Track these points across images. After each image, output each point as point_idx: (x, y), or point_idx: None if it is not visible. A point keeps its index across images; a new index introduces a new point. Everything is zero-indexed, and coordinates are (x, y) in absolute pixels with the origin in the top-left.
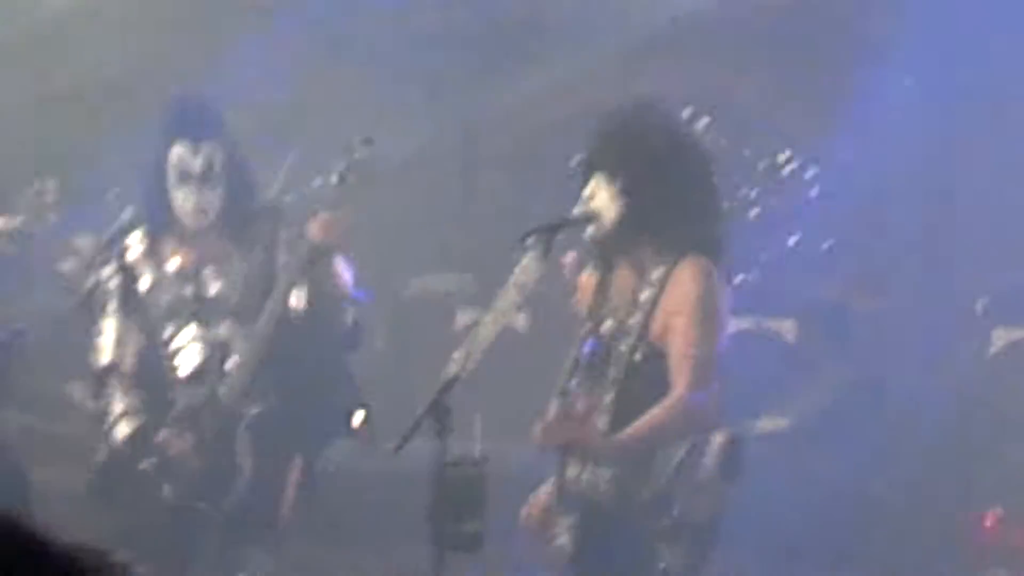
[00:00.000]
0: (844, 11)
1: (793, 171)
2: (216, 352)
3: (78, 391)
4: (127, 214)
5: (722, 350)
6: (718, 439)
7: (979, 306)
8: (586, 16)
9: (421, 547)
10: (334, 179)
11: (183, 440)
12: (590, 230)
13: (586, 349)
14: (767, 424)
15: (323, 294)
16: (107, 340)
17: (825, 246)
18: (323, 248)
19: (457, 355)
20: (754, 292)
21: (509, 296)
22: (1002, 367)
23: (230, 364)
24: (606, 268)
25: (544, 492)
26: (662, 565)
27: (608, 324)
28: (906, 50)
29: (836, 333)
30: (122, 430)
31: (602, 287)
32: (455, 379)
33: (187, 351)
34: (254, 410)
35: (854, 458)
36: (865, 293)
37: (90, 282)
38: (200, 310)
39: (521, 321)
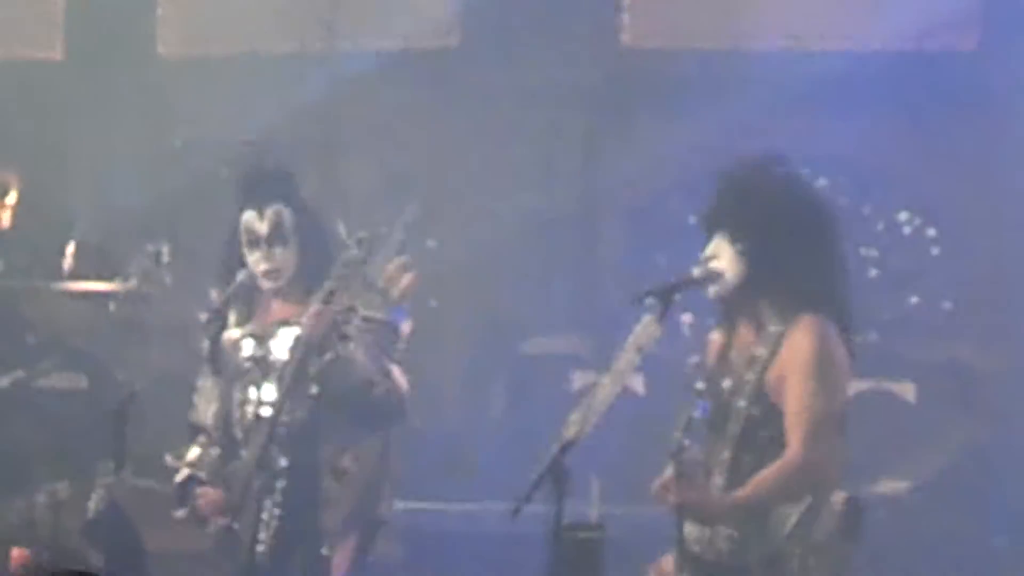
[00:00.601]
0: (968, 70)
1: (914, 230)
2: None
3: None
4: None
5: (842, 409)
6: (837, 498)
7: None
8: (714, 74)
9: None
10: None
11: (216, 497)
12: (713, 289)
13: (698, 411)
14: (887, 487)
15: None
16: (198, 399)
17: (946, 306)
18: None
19: (574, 417)
20: (874, 353)
21: (627, 357)
22: None
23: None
24: (729, 327)
25: (667, 558)
26: None
27: (727, 382)
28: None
29: (956, 394)
30: (180, 475)
31: (726, 346)
32: (573, 441)
33: (241, 412)
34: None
35: (975, 518)
36: (985, 353)
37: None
38: (265, 372)
39: (639, 383)
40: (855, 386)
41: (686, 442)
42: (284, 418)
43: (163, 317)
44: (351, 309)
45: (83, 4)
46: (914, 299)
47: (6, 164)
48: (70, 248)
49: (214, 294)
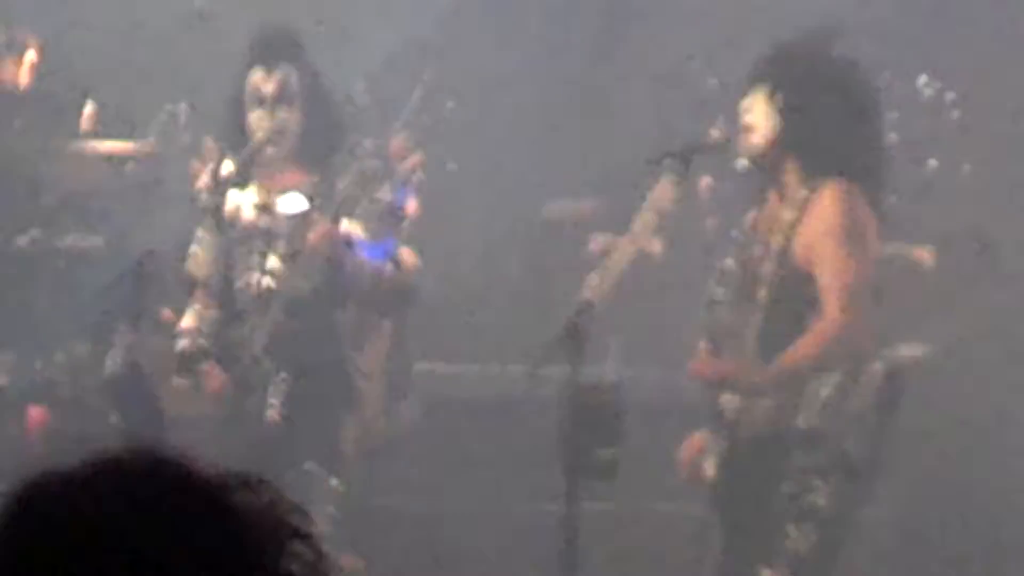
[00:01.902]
0: None
1: (934, 93)
2: (263, 287)
3: None
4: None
5: (873, 276)
6: (876, 371)
7: None
8: None
9: (556, 473)
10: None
11: (221, 378)
12: (744, 142)
13: (727, 260)
14: (905, 351)
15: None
16: (197, 248)
17: (966, 169)
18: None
19: (592, 279)
20: (893, 218)
21: (645, 218)
22: None
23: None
24: (755, 192)
25: (699, 434)
26: (817, 500)
27: (757, 249)
28: None
29: (976, 260)
30: (180, 343)
31: (756, 219)
32: (590, 304)
33: (244, 281)
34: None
35: (991, 382)
36: (1005, 218)
37: (197, 186)
38: (264, 241)
39: (657, 247)
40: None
41: (719, 291)
42: (291, 289)
43: (180, 178)
44: (361, 183)
45: None
46: (933, 162)
47: (26, 24)
48: (88, 108)
49: (208, 141)
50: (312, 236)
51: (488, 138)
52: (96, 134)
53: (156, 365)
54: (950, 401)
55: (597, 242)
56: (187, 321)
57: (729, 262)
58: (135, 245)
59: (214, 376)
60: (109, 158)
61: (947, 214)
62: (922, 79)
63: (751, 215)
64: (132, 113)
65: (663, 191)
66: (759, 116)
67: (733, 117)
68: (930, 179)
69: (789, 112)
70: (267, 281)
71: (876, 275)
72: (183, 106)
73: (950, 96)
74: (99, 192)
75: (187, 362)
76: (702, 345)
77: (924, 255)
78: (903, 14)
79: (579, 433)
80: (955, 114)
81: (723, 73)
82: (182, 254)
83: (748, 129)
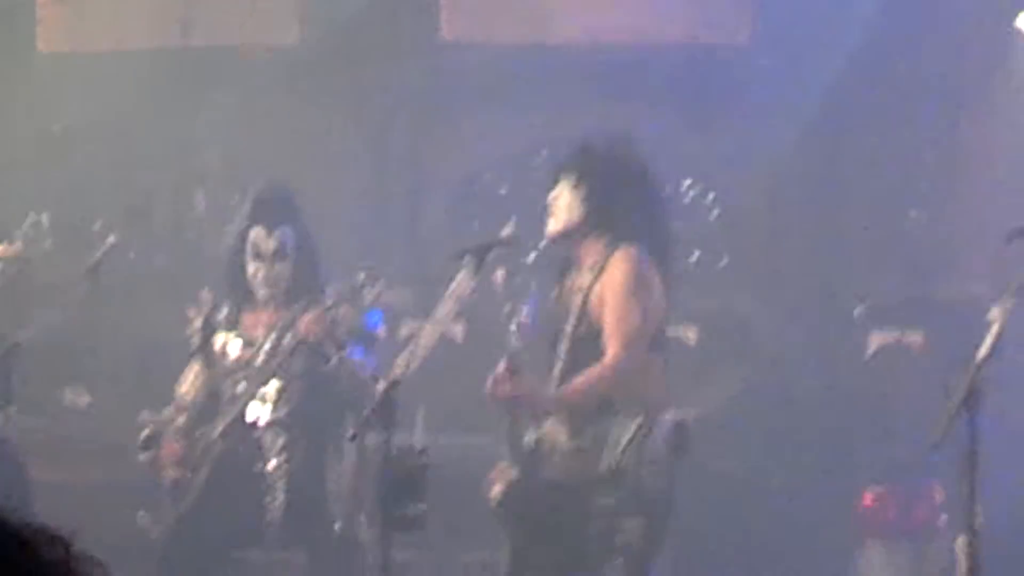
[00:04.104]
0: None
1: (696, 195)
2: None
3: (68, 395)
4: (111, 239)
5: (656, 328)
6: (668, 418)
7: (857, 312)
8: (522, 65)
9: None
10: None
11: (176, 447)
12: (552, 225)
13: (524, 311)
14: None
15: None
16: (184, 377)
17: (723, 262)
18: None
19: (400, 359)
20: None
21: (446, 307)
22: (879, 365)
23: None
24: (564, 272)
25: (503, 464)
26: (623, 539)
27: (560, 311)
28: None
29: (732, 338)
30: (144, 431)
31: (560, 288)
32: (398, 381)
33: (230, 408)
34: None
35: (748, 446)
36: (757, 302)
37: (191, 328)
38: (251, 372)
39: (458, 331)
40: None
41: (515, 332)
42: (281, 407)
43: (44, 278)
44: (334, 322)
45: None
46: (696, 255)
47: None
48: None
49: (205, 294)
50: (303, 322)
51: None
52: None
53: (25, 442)
54: (709, 459)
55: (405, 328)
56: (161, 416)
57: (524, 314)
58: (2, 336)
59: (171, 448)
60: None
61: (708, 299)
62: (686, 182)
63: (555, 290)
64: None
65: (461, 282)
66: (563, 203)
67: (522, 218)
68: (692, 268)
69: (591, 197)
70: (252, 407)
71: (659, 331)
72: (44, 216)
73: (710, 197)
74: None
75: (147, 441)
76: (501, 366)
77: (689, 333)
78: (667, 129)
79: (393, 493)
80: (714, 212)
81: (512, 181)
82: (46, 346)
83: (556, 213)
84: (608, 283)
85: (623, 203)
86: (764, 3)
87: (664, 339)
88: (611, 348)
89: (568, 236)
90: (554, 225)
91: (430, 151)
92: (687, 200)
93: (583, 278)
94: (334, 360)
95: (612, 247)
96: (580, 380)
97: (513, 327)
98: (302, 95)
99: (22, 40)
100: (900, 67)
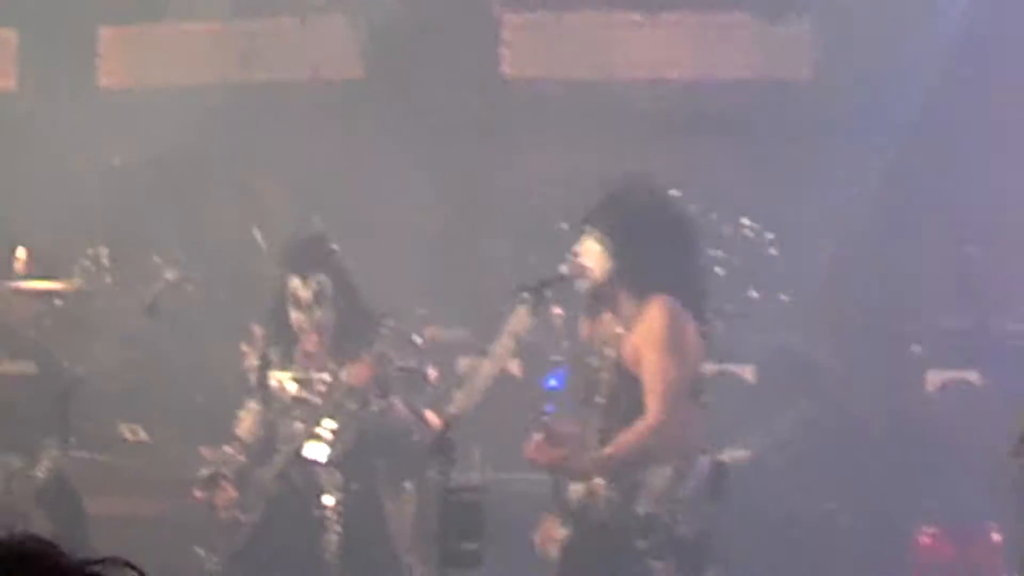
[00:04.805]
0: (793, 95)
1: (754, 233)
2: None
3: (125, 431)
4: (170, 275)
5: (694, 378)
6: (704, 461)
7: (915, 350)
8: (583, 101)
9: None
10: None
11: (231, 491)
12: (582, 283)
13: (554, 380)
14: (730, 455)
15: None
16: (244, 415)
17: (783, 299)
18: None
19: (459, 395)
20: (720, 341)
21: (504, 343)
22: (937, 403)
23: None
24: (595, 315)
25: (552, 519)
26: None
27: (594, 360)
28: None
29: (791, 376)
30: (203, 470)
31: (591, 329)
32: (456, 416)
33: (286, 446)
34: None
35: (807, 484)
36: (815, 340)
37: (246, 365)
38: (305, 411)
39: (515, 366)
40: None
41: (546, 408)
42: (337, 446)
43: (103, 312)
44: (388, 360)
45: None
46: (754, 293)
47: None
48: (20, 252)
49: (257, 330)
50: (351, 372)
51: (375, 279)
52: (28, 274)
53: (82, 475)
54: (768, 497)
55: (463, 364)
56: (221, 456)
57: (553, 383)
58: (63, 370)
59: (227, 492)
60: (40, 295)
61: (767, 337)
62: (745, 220)
63: (584, 323)
64: (60, 256)
65: (518, 319)
66: (592, 259)
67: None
68: (751, 306)
69: (619, 253)
70: (308, 446)
71: (698, 379)
72: (104, 250)
73: (769, 236)
74: (31, 324)
75: (206, 482)
76: (536, 436)
77: (747, 372)
78: (728, 167)
79: (451, 528)
80: (773, 250)
81: (570, 217)
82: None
83: (583, 270)
84: (644, 335)
85: (653, 254)
86: (828, 39)
87: (701, 384)
88: (652, 405)
89: (600, 294)
90: (586, 280)
91: (490, 186)
92: (747, 236)
93: (617, 327)
94: (375, 406)
95: (645, 297)
96: (623, 440)
97: (539, 395)
98: (364, 130)
99: (84, 75)
100: (964, 107)
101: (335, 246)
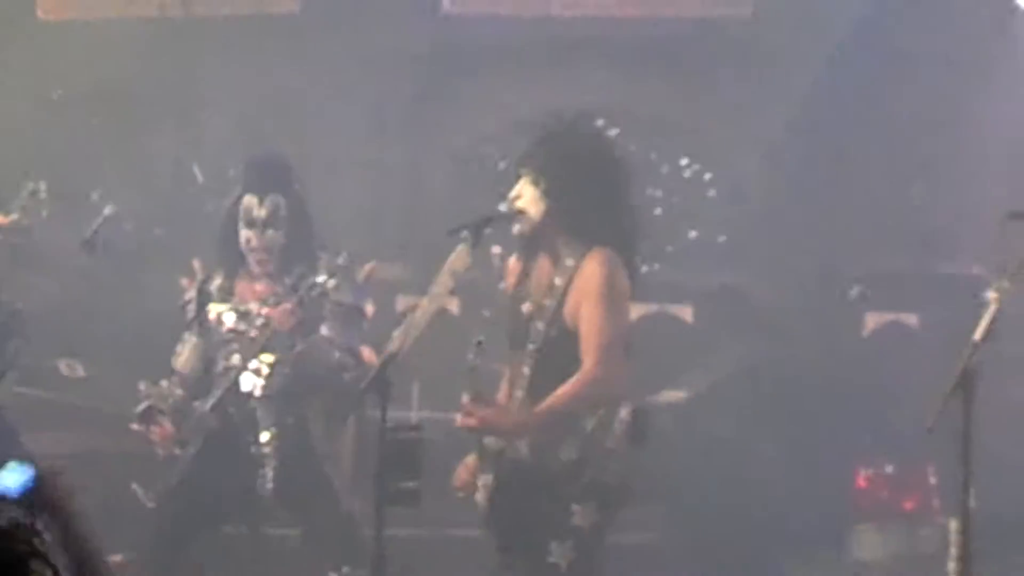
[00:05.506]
0: (735, 33)
1: (693, 174)
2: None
3: (63, 367)
4: (108, 210)
5: (626, 331)
6: (624, 410)
7: (854, 291)
8: (523, 38)
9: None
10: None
11: (168, 428)
12: (517, 226)
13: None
14: (668, 396)
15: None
16: (182, 348)
17: (721, 240)
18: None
19: (397, 333)
20: (658, 281)
21: (443, 281)
22: (875, 345)
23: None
24: (529, 257)
25: (471, 457)
26: (576, 521)
27: (527, 305)
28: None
29: (729, 316)
30: (141, 405)
31: (524, 273)
32: (394, 355)
33: (223, 380)
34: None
35: (745, 425)
36: (754, 281)
37: (185, 298)
38: (244, 343)
39: (454, 304)
40: (641, 309)
41: (476, 362)
42: (274, 380)
43: (41, 247)
44: (323, 294)
45: None
46: (693, 233)
47: None
48: None
49: (196, 264)
50: (276, 312)
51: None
52: None
53: (22, 410)
54: (705, 438)
55: (401, 302)
56: (158, 390)
57: (483, 338)
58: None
59: (164, 429)
60: None
61: (705, 278)
62: (684, 160)
63: (515, 266)
64: None
65: (458, 257)
66: (527, 201)
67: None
68: (690, 247)
69: (554, 194)
70: (244, 377)
71: (630, 332)
72: (42, 184)
73: (707, 176)
74: None
75: (142, 416)
76: (464, 399)
77: (685, 313)
78: (667, 106)
79: (388, 467)
80: (712, 191)
81: (509, 155)
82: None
83: (519, 213)
84: (584, 288)
85: (589, 196)
86: None
87: (630, 338)
88: (589, 360)
89: (536, 238)
90: (522, 223)
91: (429, 124)
92: (685, 177)
93: (556, 278)
94: (298, 348)
95: (583, 248)
96: (558, 395)
97: (473, 350)
98: (301, 64)
99: (22, 8)
100: (901, 42)
101: (293, 167)
